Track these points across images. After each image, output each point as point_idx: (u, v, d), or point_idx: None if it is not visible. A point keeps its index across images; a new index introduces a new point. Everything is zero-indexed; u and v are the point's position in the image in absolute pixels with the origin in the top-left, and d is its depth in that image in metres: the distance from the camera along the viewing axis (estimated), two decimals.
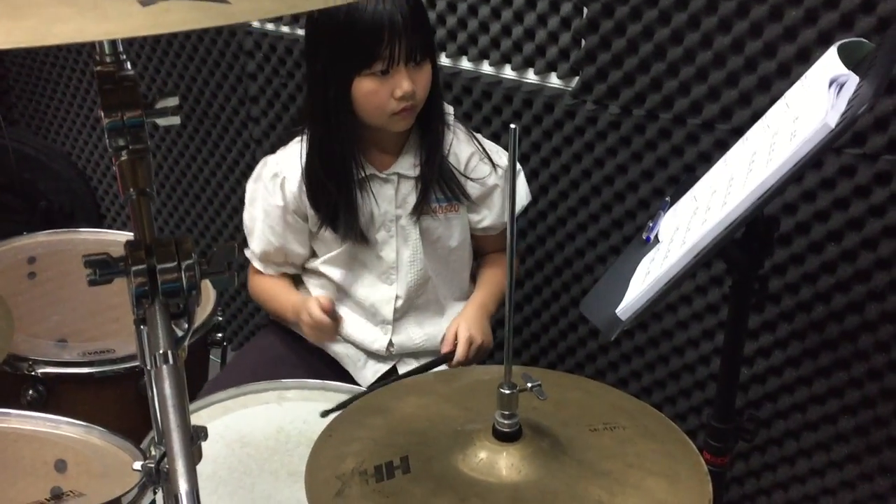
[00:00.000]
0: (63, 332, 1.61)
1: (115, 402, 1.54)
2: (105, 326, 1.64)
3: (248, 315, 2.58)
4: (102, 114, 0.71)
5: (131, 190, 0.72)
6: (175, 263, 0.68)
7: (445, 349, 1.62)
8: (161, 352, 0.66)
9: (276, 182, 1.62)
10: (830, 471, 1.69)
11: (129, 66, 0.73)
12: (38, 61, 2.90)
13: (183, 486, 0.62)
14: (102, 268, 0.67)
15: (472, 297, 1.71)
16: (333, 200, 1.58)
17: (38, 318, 1.63)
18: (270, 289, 1.72)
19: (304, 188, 1.60)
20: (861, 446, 1.63)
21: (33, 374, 1.48)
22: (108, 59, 0.73)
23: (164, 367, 0.66)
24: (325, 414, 1.38)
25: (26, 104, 3.03)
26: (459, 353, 1.59)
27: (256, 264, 1.71)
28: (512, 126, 0.88)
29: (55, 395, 1.49)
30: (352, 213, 1.59)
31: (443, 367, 1.62)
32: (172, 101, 0.73)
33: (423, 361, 1.70)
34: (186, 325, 0.70)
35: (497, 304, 1.71)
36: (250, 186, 1.67)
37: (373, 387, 1.58)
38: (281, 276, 1.72)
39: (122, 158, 0.72)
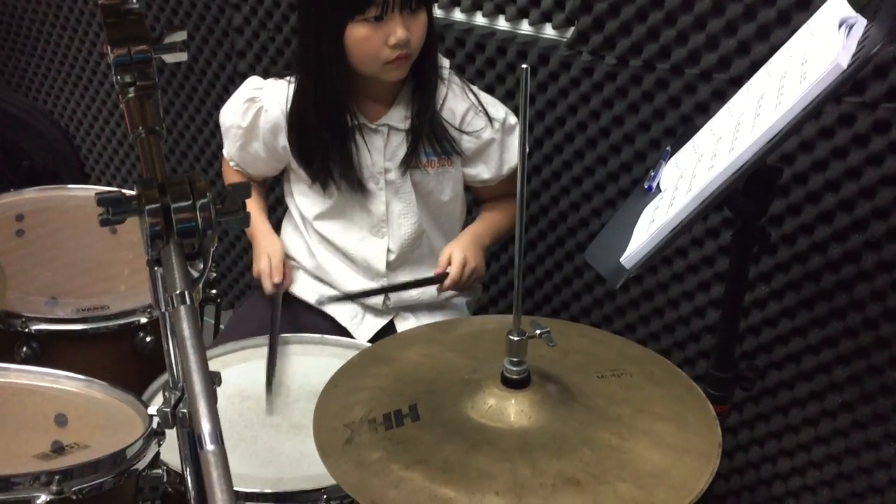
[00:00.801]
0: (55, 290, 1.57)
1: (110, 358, 1.52)
2: (97, 284, 1.61)
3: (239, 273, 2.56)
4: (109, 48, 0.68)
5: (140, 128, 0.70)
6: (190, 202, 0.66)
7: (439, 270, 1.61)
8: (178, 292, 0.64)
9: (252, 107, 1.62)
10: (824, 419, 1.70)
11: None
12: (16, 17, 2.83)
13: (206, 427, 0.61)
14: (116, 206, 0.65)
15: (467, 228, 1.70)
16: (324, 150, 1.56)
17: (29, 277, 1.59)
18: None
19: (284, 131, 1.59)
20: (855, 395, 1.64)
21: (27, 330, 1.45)
22: None
23: (182, 307, 0.64)
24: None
25: (6, 61, 2.96)
26: (454, 273, 1.59)
27: (226, 153, 1.74)
28: (524, 66, 0.87)
29: (49, 352, 1.47)
30: (347, 161, 1.57)
31: (435, 294, 1.63)
32: (180, 36, 0.70)
33: (420, 316, 1.70)
34: (202, 266, 0.68)
35: (492, 238, 1.70)
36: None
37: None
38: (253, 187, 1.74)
39: (130, 96, 0.70)
